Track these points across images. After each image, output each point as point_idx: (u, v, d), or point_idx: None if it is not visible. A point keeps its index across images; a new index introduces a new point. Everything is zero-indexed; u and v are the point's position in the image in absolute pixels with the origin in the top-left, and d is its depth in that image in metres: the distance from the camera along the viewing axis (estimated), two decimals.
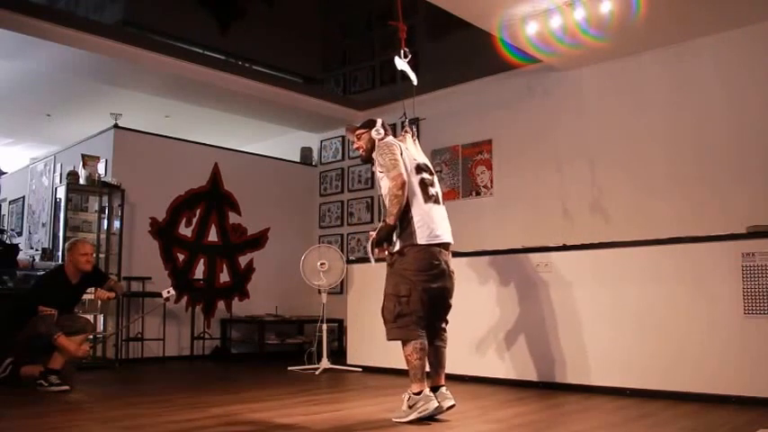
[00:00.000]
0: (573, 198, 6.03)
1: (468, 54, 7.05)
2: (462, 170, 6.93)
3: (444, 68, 7.49)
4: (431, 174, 3.56)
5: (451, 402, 3.32)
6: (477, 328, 5.03)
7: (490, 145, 6.73)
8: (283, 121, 8.24)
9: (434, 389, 3.37)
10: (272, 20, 9.27)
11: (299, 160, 8.57)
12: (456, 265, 5.18)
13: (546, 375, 4.63)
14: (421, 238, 3.34)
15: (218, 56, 8.26)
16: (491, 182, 6.68)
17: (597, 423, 3.39)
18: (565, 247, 4.77)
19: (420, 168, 3.50)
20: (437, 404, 3.23)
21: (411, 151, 3.59)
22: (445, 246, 3.45)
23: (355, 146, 3.77)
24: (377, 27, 8.93)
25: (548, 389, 4.55)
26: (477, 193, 6.79)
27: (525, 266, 4.85)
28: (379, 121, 3.66)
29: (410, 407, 3.24)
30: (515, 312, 4.85)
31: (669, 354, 4.12)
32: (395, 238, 3.41)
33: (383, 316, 3.41)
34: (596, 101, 6.02)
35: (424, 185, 3.45)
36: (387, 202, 3.43)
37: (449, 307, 3.51)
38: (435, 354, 3.46)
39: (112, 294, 4.96)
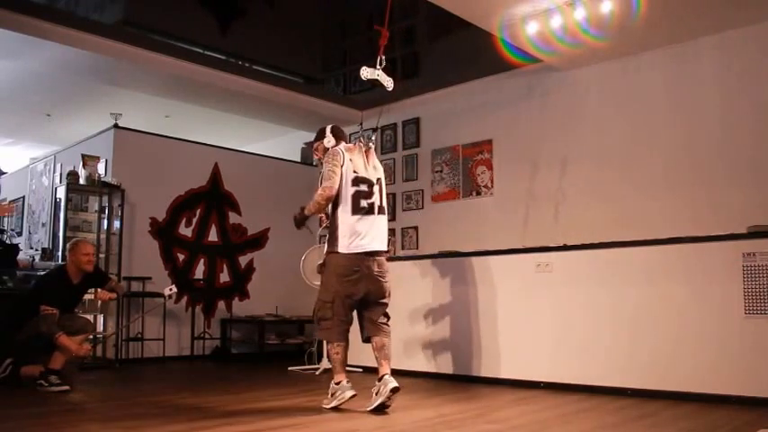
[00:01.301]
0: (573, 198, 6.03)
1: (469, 54, 7.05)
2: (463, 170, 6.93)
3: (444, 68, 7.48)
4: (369, 186, 3.80)
5: (394, 384, 3.54)
6: (476, 328, 5.03)
7: (490, 145, 6.73)
8: (283, 121, 8.23)
9: (379, 379, 3.63)
10: (273, 20, 9.26)
11: (299, 160, 8.57)
12: (457, 264, 5.23)
13: (547, 375, 4.63)
14: (342, 247, 3.69)
15: (219, 56, 8.25)
16: (491, 182, 6.68)
17: (597, 423, 3.39)
18: (565, 247, 4.78)
19: (358, 181, 3.77)
20: (353, 393, 3.60)
21: (356, 162, 3.80)
22: (370, 253, 3.71)
23: (316, 157, 4.07)
24: (377, 26, 8.92)
25: (548, 388, 4.54)
26: (478, 193, 6.79)
27: (525, 266, 4.85)
28: (328, 129, 3.97)
29: (332, 395, 3.66)
30: (515, 312, 4.85)
31: (669, 354, 4.12)
32: (325, 244, 3.83)
33: (313, 317, 3.85)
34: (596, 100, 6.02)
35: (357, 198, 3.74)
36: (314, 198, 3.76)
37: (382, 305, 3.81)
38: (378, 347, 3.74)
39: (113, 295, 4.98)
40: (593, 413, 3.71)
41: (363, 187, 3.76)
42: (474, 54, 6.76)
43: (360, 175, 3.77)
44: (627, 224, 5.46)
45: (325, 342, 3.81)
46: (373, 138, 4.06)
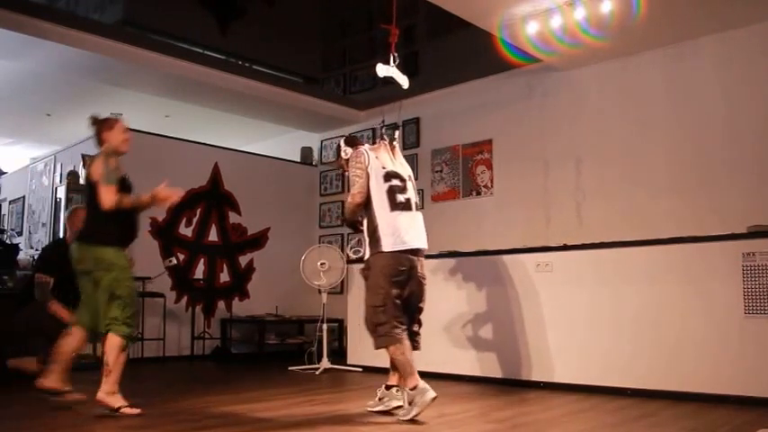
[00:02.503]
0: (573, 198, 6.03)
1: (469, 54, 7.05)
2: (462, 170, 6.93)
3: (444, 68, 7.49)
4: (402, 180, 3.64)
5: (399, 403, 3.48)
6: (477, 328, 5.03)
7: (490, 145, 6.73)
8: (283, 121, 8.23)
9: (388, 387, 3.57)
10: (273, 20, 9.25)
11: (299, 160, 8.57)
12: (457, 264, 5.23)
13: (547, 375, 4.64)
14: (386, 246, 3.49)
15: (219, 56, 8.25)
16: (491, 181, 6.68)
17: (598, 423, 3.39)
18: (565, 247, 4.78)
19: (389, 176, 3.60)
20: (434, 395, 3.30)
21: (382, 159, 3.66)
22: (413, 251, 3.55)
23: (347, 173, 3.84)
24: (377, 26, 8.93)
25: (549, 389, 4.55)
26: (478, 193, 6.79)
27: (526, 266, 4.85)
28: (342, 142, 3.86)
29: (409, 403, 3.33)
30: (515, 312, 4.86)
31: (669, 354, 4.12)
32: (366, 248, 3.62)
33: (366, 327, 3.58)
34: (596, 100, 6.02)
35: (392, 193, 3.56)
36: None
37: (419, 310, 3.65)
38: None
39: None
40: (593, 413, 3.71)
41: (396, 182, 3.60)
42: (474, 54, 6.76)
43: (389, 169, 3.62)
44: (628, 223, 5.47)
45: (386, 349, 3.47)
46: (397, 134, 3.94)
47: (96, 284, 3.53)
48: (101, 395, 3.43)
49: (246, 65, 8.47)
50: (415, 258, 3.55)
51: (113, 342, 3.49)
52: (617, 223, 5.60)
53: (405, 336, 3.44)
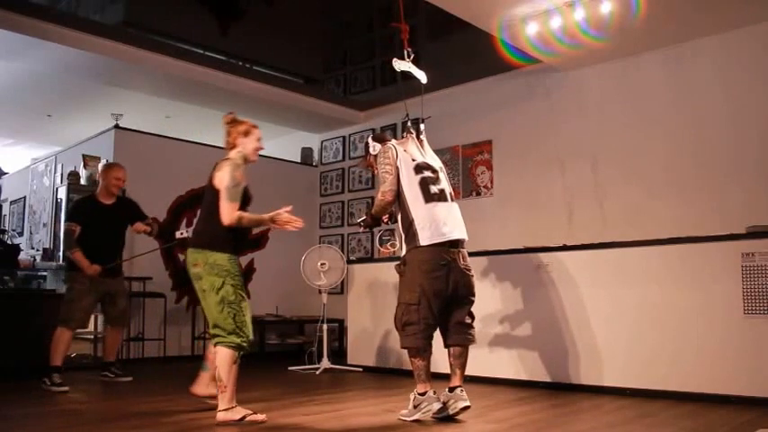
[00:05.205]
0: (573, 198, 6.03)
1: (469, 54, 7.06)
2: (462, 170, 6.94)
3: (444, 69, 7.49)
4: (433, 171, 3.55)
5: (465, 404, 3.34)
6: (478, 328, 5.02)
7: (490, 145, 6.74)
8: (284, 122, 8.23)
9: (451, 389, 3.42)
10: (273, 20, 9.27)
11: (299, 160, 8.57)
12: None
13: (547, 375, 4.64)
14: (423, 239, 3.36)
15: (219, 56, 8.27)
16: (491, 182, 6.69)
17: (597, 423, 3.40)
18: (565, 248, 4.78)
19: (420, 168, 3.50)
20: (441, 405, 3.29)
21: (411, 152, 3.59)
22: (453, 243, 3.42)
23: (375, 172, 3.73)
24: (378, 27, 8.94)
25: (549, 389, 4.55)
26: (478, 194, 6.79)
27: (526, 267, 4.85)
28: (370, 139, 3.77)
29: (415, 407, 3.32)
30: (516, 313, 4.86)
31: (669, 354, 4.12)
32: (402, 245, 3.50)
33: (394, 324, 3.48)
34: (596, 101, 6.02)
35: (425, 184, 3.46)
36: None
37: (469, 303, 3.52)
38: (457, 354, 3.48)
39: (148, 228, 5.04)
40: (594, 413, 3.71)
41: (428, 173, 3.49)
42: (474, 54, 6.77)
43: (419, 161, 3.52)
44: (629, 224, 5.47)
45: (408, 351, 3.41)
46: (422, 127, 3.89)
47: (207, 289, 3.44)
48: (220, 416, 3.26)
49: (247, 66, 8.49)
50: (456, 251, 3.42)
51: (223, 355, 3.31)
52: (617, 223, 5.60)
53: (430, 343, 3.37)
